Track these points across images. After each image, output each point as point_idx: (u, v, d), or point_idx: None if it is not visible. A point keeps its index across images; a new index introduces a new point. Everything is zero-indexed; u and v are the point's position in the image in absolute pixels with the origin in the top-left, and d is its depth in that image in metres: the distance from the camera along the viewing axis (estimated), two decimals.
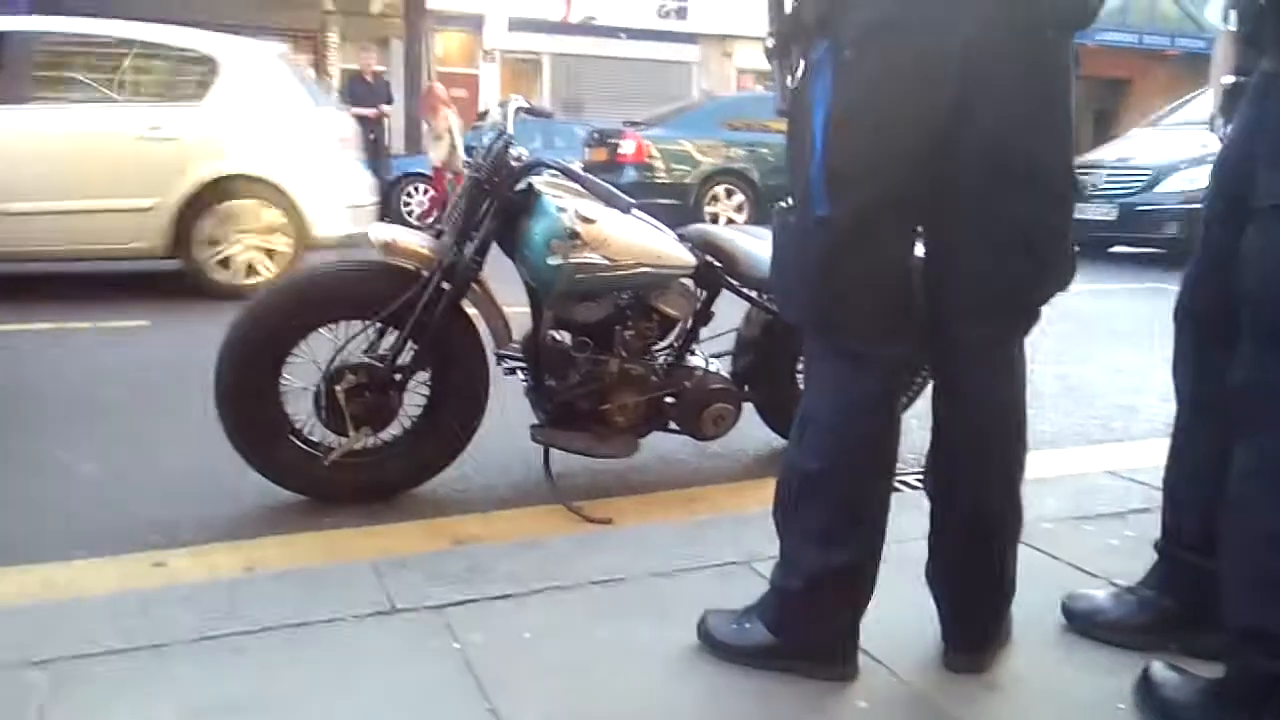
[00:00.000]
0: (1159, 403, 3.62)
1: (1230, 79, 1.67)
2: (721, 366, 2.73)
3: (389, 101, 11.22)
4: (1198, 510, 1.57)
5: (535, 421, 2.49)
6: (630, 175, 9.74)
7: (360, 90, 10.94)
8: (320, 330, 2.41)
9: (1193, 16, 20.02)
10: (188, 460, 2.73)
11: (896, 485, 1.88)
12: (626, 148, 10.03)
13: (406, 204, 11.32)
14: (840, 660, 1.56)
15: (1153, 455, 2.00)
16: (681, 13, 18.71)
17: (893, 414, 1.54)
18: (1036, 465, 2.36)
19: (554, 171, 2.41)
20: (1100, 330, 5.21)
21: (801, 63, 1.42)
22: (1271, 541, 1.26)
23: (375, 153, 10.16)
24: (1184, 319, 1.63)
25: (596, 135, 10.80)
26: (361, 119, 9.85)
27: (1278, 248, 1.24)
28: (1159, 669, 1.49)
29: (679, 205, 9.42)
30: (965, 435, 1.55)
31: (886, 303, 1.48)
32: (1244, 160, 1.37)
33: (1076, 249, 1.52)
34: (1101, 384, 4.03)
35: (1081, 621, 1.72)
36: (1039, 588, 1.79)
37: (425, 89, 11.43)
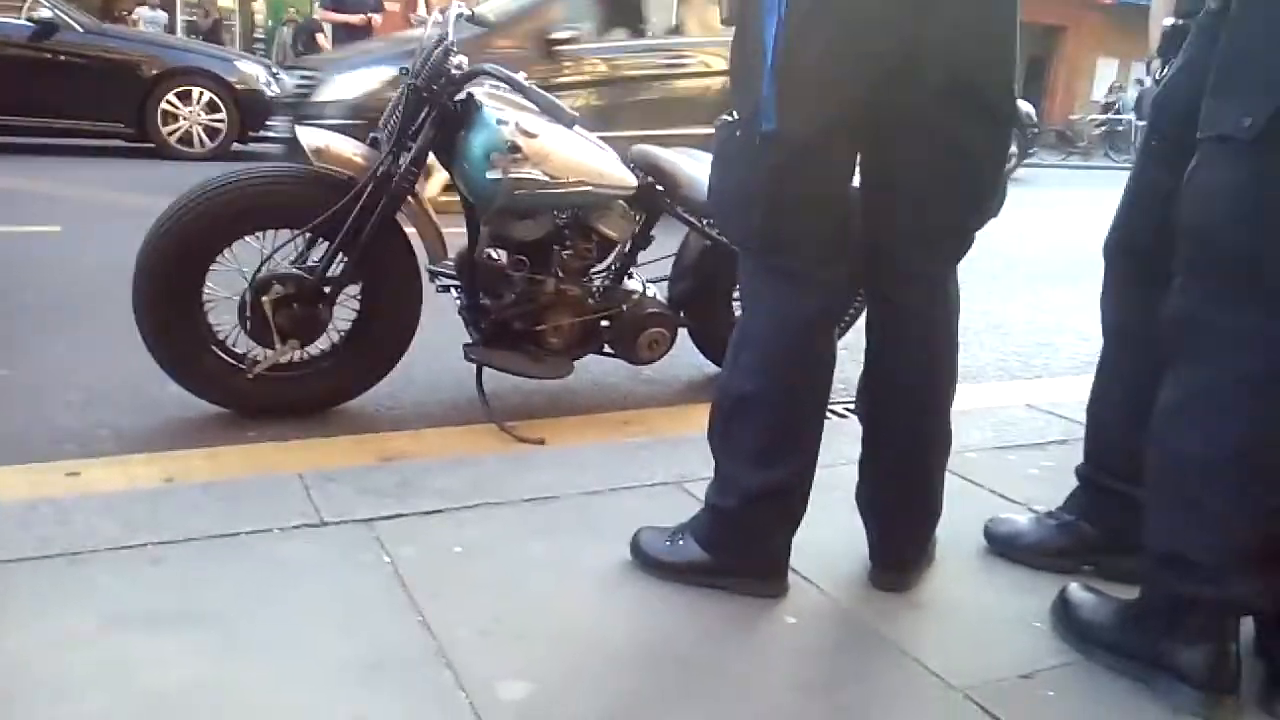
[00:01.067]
0: (1077, 340, 3.74)
1: (1170, 21, 1.69)
2: (658, 291, 2.72)
3: (378, 10, 8.93)
4: (1119, 437, 1.62)
5: (468, 340, 2.45)
6: None
7: None
8: (246, 239, 2.32)
9: None
10: (105, 370, 2.63)
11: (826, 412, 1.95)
12: None
13: None
14: (771, 577, 1.59)
15: (1072, 390, 2.07)
16: None
17: (829, 338, 1.55)
18: (960, 398, 2.42)
19: (496, 82, 2.33)
20: (1025, 269, 5.34)
21: None
22: (1191, 468, 1.30)
23: None
24: (1114, 254, 1.67)
25: None
26: (348, 29, 8.66)
27: (1217, 177, 1.26)
28: (1075, 590, 1.55)
29: None
30: (902, 361, 1.57)
31: (828, 224, 1.48)
32: (1188, 98, 1.39)
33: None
34: (1022, 321, 4.14)
35: (1002, 544, 1.77)
36: (962, 513, 1.84)
37: None
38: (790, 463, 1.53)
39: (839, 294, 1.56)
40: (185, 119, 7.90)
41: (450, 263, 2.46)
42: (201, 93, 7.88)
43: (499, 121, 2.23)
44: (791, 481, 1.54)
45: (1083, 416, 1.76)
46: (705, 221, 2.67)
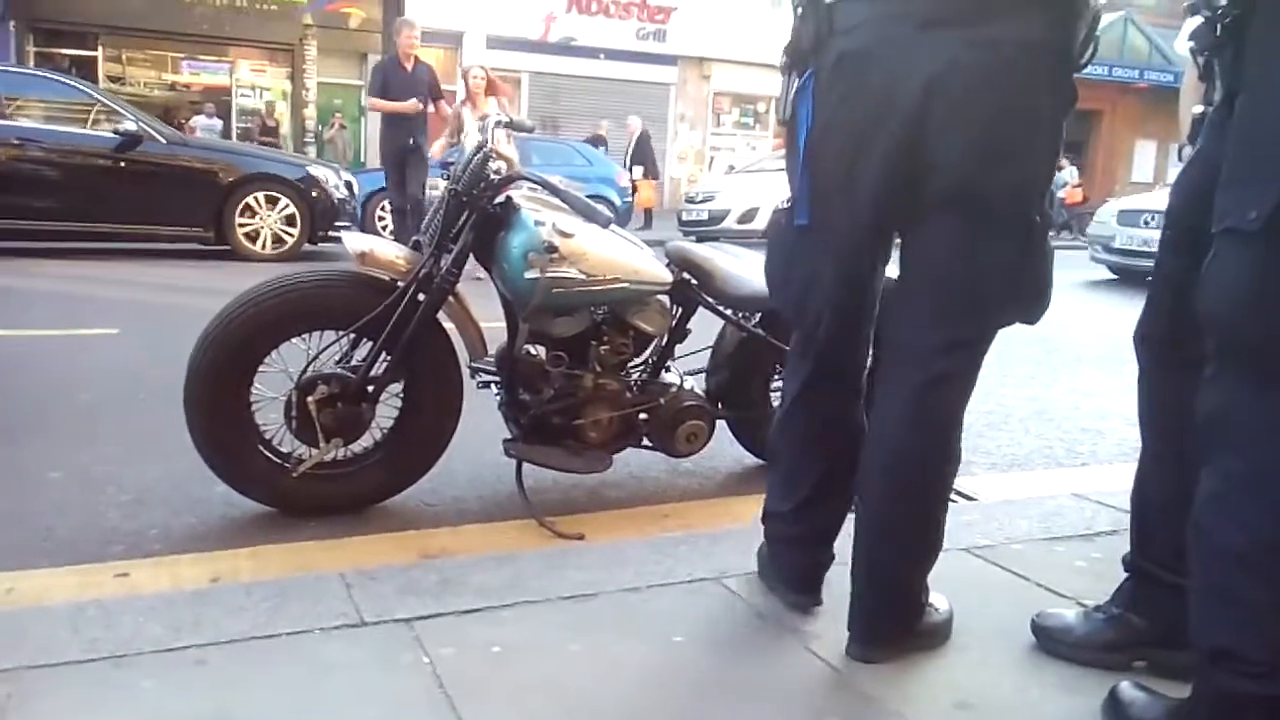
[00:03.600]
0: (1124, 426, 3.67)
1: (1199, 109, 1.71)
2: (696, 384, 2.74)
3: (436, 98, 7.79)
4: (1164, 528, 1.59)
5: (508, 436, 2.48)
6: None
7: (396, 79, 7.66)
8: (293, 340, 2.39)
9: (1161, 50, 20.43)
10: (154, 470, 2.69)
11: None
12: None
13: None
14: None
15: (1119, 478, 2.03)
16: (660, 35, 18.84)
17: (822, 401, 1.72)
18: (1006, 487, 2.37)
19: (533, 185, 2.42)
20: (1067, 354, 5.29)
21: (796, 81, 1.56)
22: (1236, 562, 1.27)
23: (413, 166, 7.69)
24: (1140, 343, 1.66)
25: None
26: (400, 118, 7.61)
27: (1231, 269, 1.26)
28: (1126, 688, 1.50)
29: None
30: (881, 444, 1.62)
31: (850, 308, 1.65)
32: (1202, 190, 1.40)
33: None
34: (1068, 407, 4.08)
35: (1050, 640, 1.73)
36: (1009, 607, 1.80)
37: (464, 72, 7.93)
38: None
39: (848, 375, 1.72)
40: (260, 222, 8.31)
41: (490, 359, 2.51)
42: (277, 198, 8.33)
43: (536, 223, 2.30)
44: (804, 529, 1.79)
45: (1129, 506, 1.73)
46: (741, 314, 2.70)
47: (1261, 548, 1.25)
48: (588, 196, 2.49)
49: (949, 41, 1.40)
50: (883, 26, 1.45)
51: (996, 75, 1.41)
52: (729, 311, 2.70)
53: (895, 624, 1.68)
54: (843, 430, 1.74)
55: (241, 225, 8.21)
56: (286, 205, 8.36)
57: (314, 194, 8.47)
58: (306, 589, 1.84)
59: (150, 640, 1.62)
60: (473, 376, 2.51)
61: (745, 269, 2.56)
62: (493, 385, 2.52)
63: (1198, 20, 1.46)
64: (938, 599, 1.76)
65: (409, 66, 7.79)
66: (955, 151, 1.43)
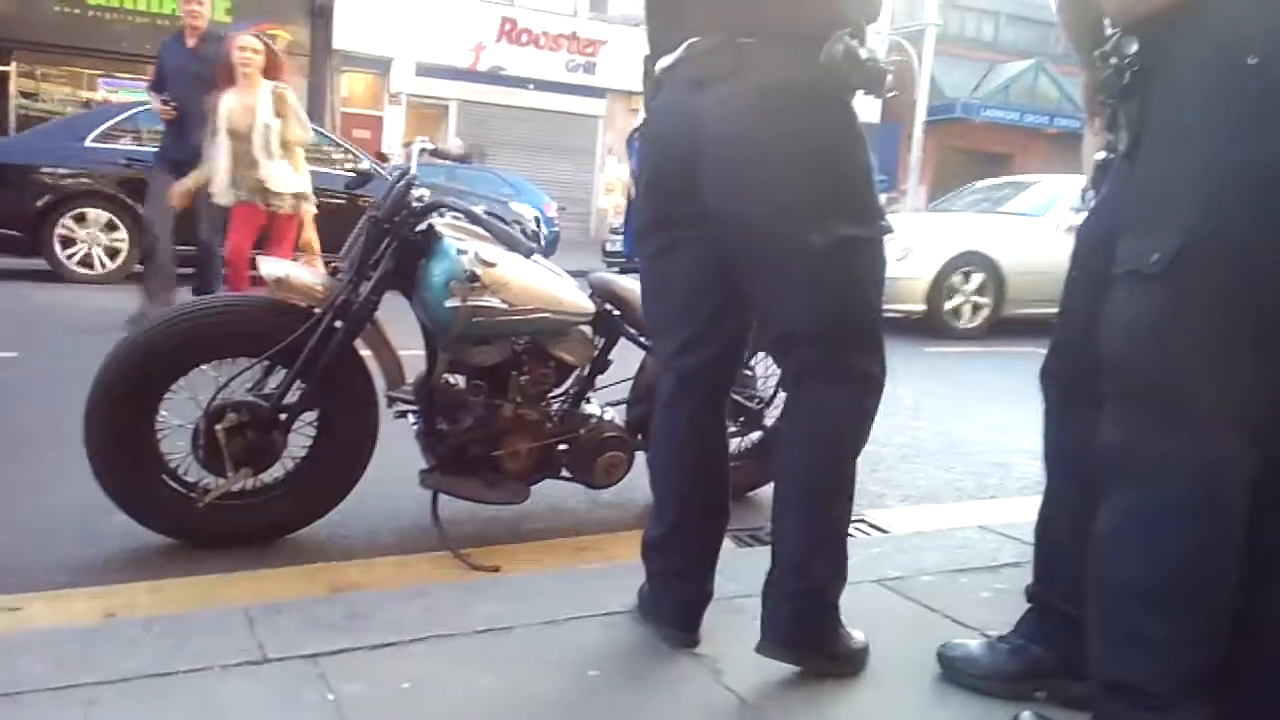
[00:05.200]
0: (1030, 460, 3.79)
1: (1101, 155, 1.79)
2: (617, 415, 2.74)
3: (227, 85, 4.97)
4: (1066, 560, 1.64)
5: (424, 466, 2.45)
6: None
7: (174, 63, 5.45)
8: (203, 367, 2.32)
9: (1070, 96, 21.33)
10: (50, 500, 2.58)
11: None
12: None
13: None
14: None
15: (1025, 511, 2.09)
16: (590, 68, 18.98)
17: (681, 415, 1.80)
18: (916, 520, 2.42)
19: (456, 214, 2.41)
20: (978, 391, 5.44)
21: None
22: (1137, 596, 1.32)
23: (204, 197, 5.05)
24: (1048, 382, 1.72)
25: None
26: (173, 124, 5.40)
27: (1133, 310, 1.32)
28: (1028, 717, 1.54)
29: None
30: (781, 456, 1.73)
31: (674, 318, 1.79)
32: (1106, 233, 1.47)
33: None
34: (978, 442, 4.19)
35: (956, 671, 1.76)
36: (916, 638, 1.84)
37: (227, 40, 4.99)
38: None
39: (703, 379, 1.80)
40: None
41: (408, 388, 2.48)
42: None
43: (459, 251, 2.29)
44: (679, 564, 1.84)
45: (1033, 538, 1.78)
46: None
47: (1157, 582, 1.30)
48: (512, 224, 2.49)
49: (709, 97, 1.58)
50: (672, 89, 1.67)
51: (746, 119, 1.56)
52: (650, 342, 2.71)
53: (807, 622, 1.70)
54: (702, 446, 1.81)
55: None
56: None
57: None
58: (207, 624, 1.78)
59: (37, 679, 1.54)
60: (390, 405, 2.48)
61: None
62: (410, 414, 2.48)
63: (1100, 72, 1.52)
64: (855, 632, 1.78)
65: (192, 43, 5.42)
66: (722, 188, 1.60)
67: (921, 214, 11.75)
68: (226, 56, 4.81)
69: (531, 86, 18.55)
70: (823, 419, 1.67)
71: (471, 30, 17.78)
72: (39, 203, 7.47)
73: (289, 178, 4.81)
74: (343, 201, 6.86)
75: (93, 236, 7.67)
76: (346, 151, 8.24)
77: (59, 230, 7.53)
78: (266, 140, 4.69)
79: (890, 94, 1.62)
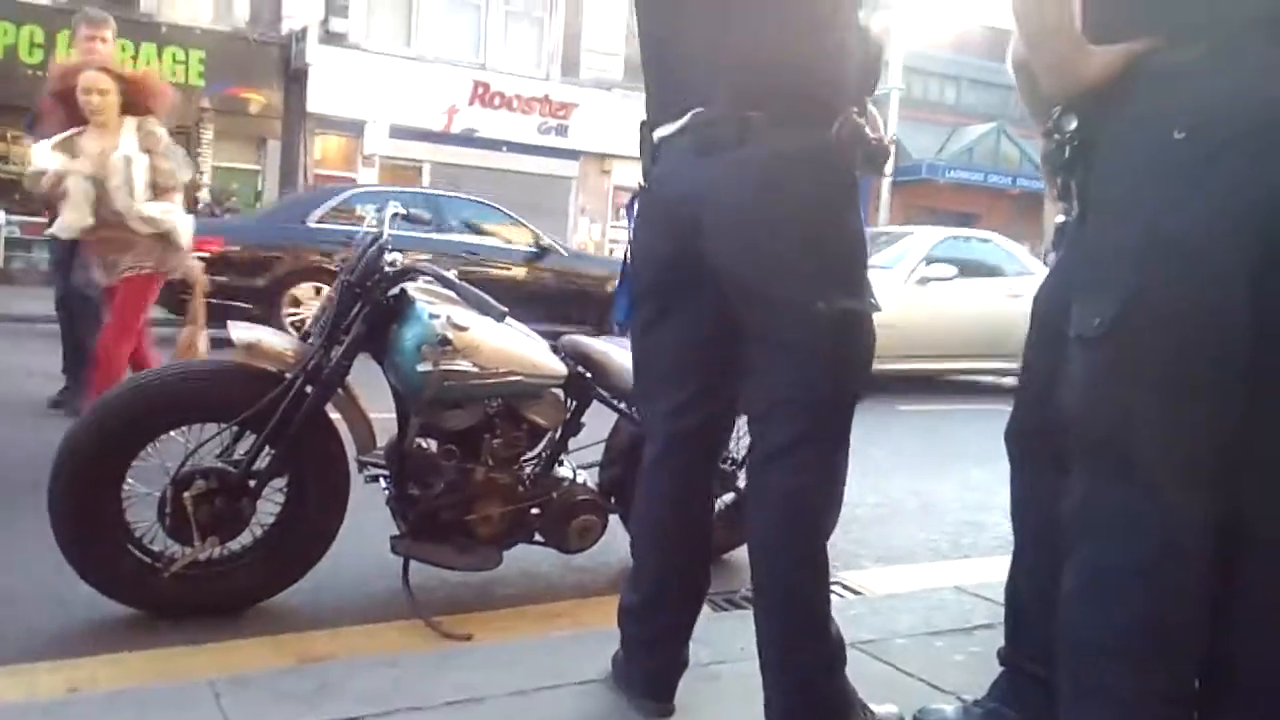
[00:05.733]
0: (1003, 519, 3.81)
1: (1061, 218, 1.84)
2: (589, 478, 2.73)
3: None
4: (1036, 623, 1.64)
5: (395, 532, 2.42)
6: None
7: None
8: (171, 434, 2.30)
9: (1031, 159, 21.83)
10: (11, 570, 2.52)
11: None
12: None
13: None
14: None
15: (998, 570, 2.10)
16: (562, 130, 19.23)
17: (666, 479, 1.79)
18: (891, 580, 2.43)
19: (428, 278, 2.42)
20: (950, 449, 5.47)
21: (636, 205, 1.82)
22: (1094, 654, 1.33)
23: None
24: (1011, 441, 1.75)
25: None
26: None
27: (1081, 372, 1.36)
28: None
29: None
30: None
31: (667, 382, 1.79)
32: (1063, 295, 1.51)
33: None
34: (952, 501, 4.21)
35: None
36: (893, 702, 1.82)
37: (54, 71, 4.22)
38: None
39: (686, 446, 1.79)
40: None
41: (379, 452, 2.46)
42: None
43: (431, 315, 2.29)
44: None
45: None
46: (634, 408, 2.72)
47: (1120, 640, 1.31)
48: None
49: (715, 164, 1.58)
50: (676, 155, 1.66)
51: (754, 183, 1.56)
52: (623, 405, 2.72)
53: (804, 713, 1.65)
54: (686, 511, 1.80)
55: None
56: None
57: None
58: (170, 698, 1.74)
59: None
60: (360, 470, 2.46)
61: None
62: (381, 479, 2.46)
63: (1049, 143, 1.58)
64: (882, 709, 1.74)
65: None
66: (727, 253, 1.60)
67: None
68: (65, 88, 3.90)
69: (504, 149, 18.74)
70: (797, 497, 1.63)
71: (444, 93, 17.99)
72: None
73: (159, 212, 3.94)
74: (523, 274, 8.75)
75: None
76: (524, 226, 9.40)
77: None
78: (128, 177, 3.86)
79: (888, 176, 1.67)
